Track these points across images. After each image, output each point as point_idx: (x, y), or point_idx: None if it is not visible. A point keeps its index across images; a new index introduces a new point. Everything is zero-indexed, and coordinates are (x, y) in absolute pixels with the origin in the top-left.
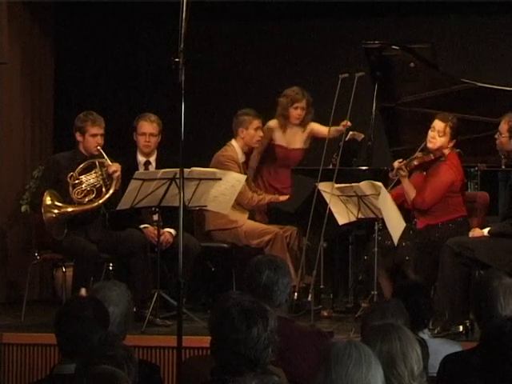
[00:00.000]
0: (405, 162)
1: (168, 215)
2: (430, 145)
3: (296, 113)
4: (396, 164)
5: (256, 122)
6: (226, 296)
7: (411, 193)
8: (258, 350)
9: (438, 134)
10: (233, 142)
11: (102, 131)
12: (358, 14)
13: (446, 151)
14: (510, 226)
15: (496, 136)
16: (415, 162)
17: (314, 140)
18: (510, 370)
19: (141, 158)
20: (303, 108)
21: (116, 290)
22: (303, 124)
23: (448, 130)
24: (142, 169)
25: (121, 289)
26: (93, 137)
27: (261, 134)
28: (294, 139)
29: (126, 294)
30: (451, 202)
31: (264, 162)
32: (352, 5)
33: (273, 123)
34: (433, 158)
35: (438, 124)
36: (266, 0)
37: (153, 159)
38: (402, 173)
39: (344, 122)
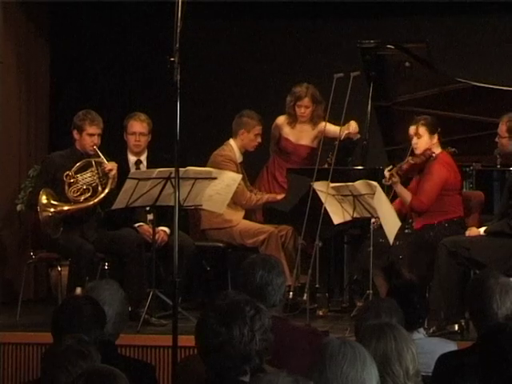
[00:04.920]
0: (394, 168)
1: (162, 214)
2: (416, 151)
3: (299, 111)
4: (386, 173)
5: (258, 128)
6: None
7: (407, 197)
8: (246, 344)
9: (416, 138)
10: (231, 141)
11: (99, 131)
12: (353, 14)
13: (436, 150)
14: (507, 225)
15: (496, 139)
16: (405, 166)
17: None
18: (506, 369)
19: (131, 158)
20: (307, 106)
21: (109, 289)
22: (313, 122)
23: (421, 128)
24: (133, 168)
25: (114, 288)
26: (90, 136)
27: (259, 140)
28: (301, 135)
29: (119, 293)
30: (447, 201)
31: (272, 153)
32: (347, 5)
33: (280, 120)
34: (424, 158)
35: (410, 129)
36: (262, 0)
37: (144, 158)
38: (394, 179)
39: (351, 129)
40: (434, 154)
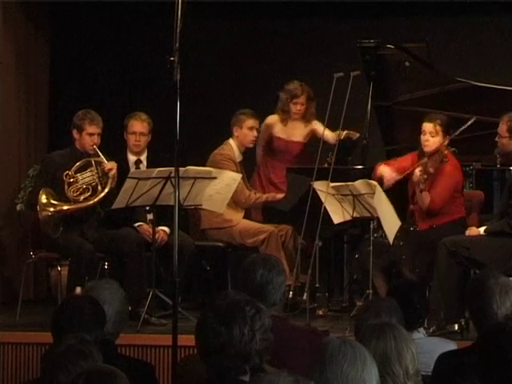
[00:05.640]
0: (420, 171)
1: (162, 213)
2: (426, 149)
3: (295, 108)
4: (418, 174)
5: (250, 122)
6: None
7: (426, 198)
8: (246, 344)
9: (430, 136)
10: (230, 140)
11: (99, 130)
12: (353, 14)
13: (445, 151)
14: (507, 225)
15: (496, 139)
16: (432, 170)
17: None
18: (506, 368)
19: (131, 157)
20: (302, 103)
21: (109, 288)
22: (306, 119)
23: (438, 128)
24: (133, 167)
25: (114, 287)
26: (89, 135)
27: (255, 133)
28: (293, 132)
29: (119, 293)
30: (453, 202)
31: (263, 156)
32: (347, 5)
33: (270, 120)
34: (439, 160)
35: (426, 126)
36: (262, 0)
37: (143, 158)
38: (423, 185)
39: (341, 134)
40: (446, 158)
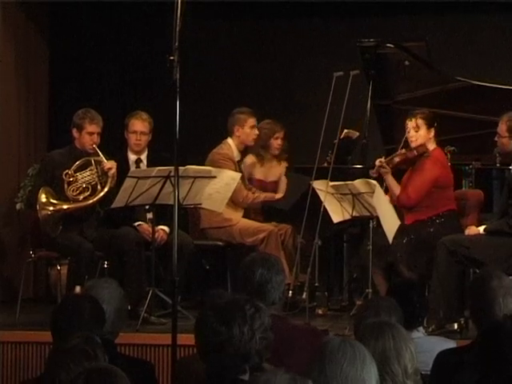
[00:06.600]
0: (386, 159)
1: (162, 212)
2: (412, 144)
3: (276, 143)
4: (377, 162)
5: (251, 121)
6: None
7: (395, 189)
8: (246, 343)
9: (414, 131)
10: (229, 140)
11: (99, 130)
12: (353, 14)
13: (430, 146)
14: (506, 224)
15: (496, 138)
16: (397, 159)
17: (308, 138)
18: (505, 367)
19: (132, 156)
20: (282, 138)
21: (108, 287)
22: (280, 157)
23: (420, 121)
24: (133, 167)
25: (113, 286)
26: (89, 135)
27: (256, 132)
28: (270, 172)
29: (118, 292)
30: (437, 196)
31: None
32: (347, 4)
33: (249, 159)
34: (416, 154)
35: (409, 123)
36: (262, 0)
37: (144, 157)
38: (384, 170)
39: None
40: (427, 152)
